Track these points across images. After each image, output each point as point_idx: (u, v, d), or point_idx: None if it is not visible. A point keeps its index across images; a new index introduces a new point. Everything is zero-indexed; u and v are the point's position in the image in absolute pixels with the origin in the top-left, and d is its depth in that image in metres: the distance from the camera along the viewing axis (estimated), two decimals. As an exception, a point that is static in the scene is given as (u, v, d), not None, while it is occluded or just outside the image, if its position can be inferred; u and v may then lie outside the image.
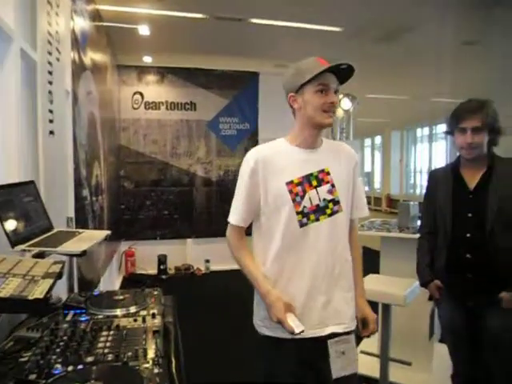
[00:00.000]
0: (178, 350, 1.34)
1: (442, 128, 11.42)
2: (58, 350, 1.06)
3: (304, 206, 1.41)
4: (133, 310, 1.37)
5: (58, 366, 0.97)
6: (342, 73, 1.40)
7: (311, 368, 1.41)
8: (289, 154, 1.46)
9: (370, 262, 3.72)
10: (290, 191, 1.40)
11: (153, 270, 5.71)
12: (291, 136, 1.50)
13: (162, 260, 5.72)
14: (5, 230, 1.24)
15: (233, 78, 6.05)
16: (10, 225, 1.28)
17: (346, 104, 7.10)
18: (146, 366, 0.98)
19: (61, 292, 1.71)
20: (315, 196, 1.42)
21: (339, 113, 7.10)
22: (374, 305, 2.37)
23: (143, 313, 1.35)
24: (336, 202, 1.44)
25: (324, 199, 1.43)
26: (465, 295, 1.88)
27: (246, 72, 6.07)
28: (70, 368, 0.96)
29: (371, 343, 3.16)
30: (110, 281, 4.56)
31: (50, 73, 2.02)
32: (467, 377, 1.99)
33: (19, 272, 1.05)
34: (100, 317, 1.32)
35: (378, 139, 16.19)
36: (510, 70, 3.91)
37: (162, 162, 5.89)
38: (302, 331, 1.29)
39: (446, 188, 1.95)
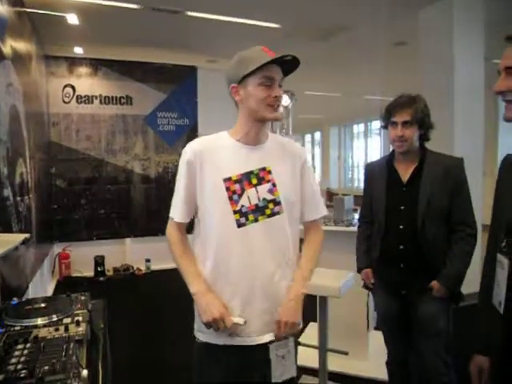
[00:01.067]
0: (106, 359, 1.26)
1: (376, 124, 11.96)
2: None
3: (242, 205, 1.32)
4: (55, 318, 1.27)
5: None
6: (287, 65, 1.33)
7: (251, 374, 1.35)
8: (229, 148, 1.37)
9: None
10: (228, 188, 1.32)
11: (89, 273, 5.44)
12: (234, 130, 1.41)
13: (99, 261, 5.46)
14: None
15: (170, 71, 5.88)
16: None
17: (285, 100, 7.23)
18: (64, 380, 0.90)
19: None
20: (254, 195, 1.34)
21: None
22: (312, 297, 2.42)
23: (66, 321, 1.25)
24: (277, 203, 1.36)
25: (264, 199, 1.35)
26: (398, 284, 1.96)
27: (183, 66, 5.94)
28: (-25, 389, 0.86)
29: (310, 335, 3.23)
30: (42, 286, 4.27)
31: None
32: (400, 362, 2.08)
33: None
34: (17, 328, 1.21)
35: (317, 135, 16.63)
36: (434, 70, 4.14)
37: (97, 159, 5.61)
38: (245, 322, 1.28)
39: (381, 181, 2.01)
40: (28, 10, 3.76)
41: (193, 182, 1.35)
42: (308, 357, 2.83)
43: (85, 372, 0.95)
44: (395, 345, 2.09)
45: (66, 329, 1.19)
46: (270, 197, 1.36)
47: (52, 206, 5.35)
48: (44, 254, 4.51)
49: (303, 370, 2.81)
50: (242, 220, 1.32)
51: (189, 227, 1.45)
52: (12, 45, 3.00)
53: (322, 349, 2.43)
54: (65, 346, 1.07)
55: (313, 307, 2.59)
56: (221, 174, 1.33)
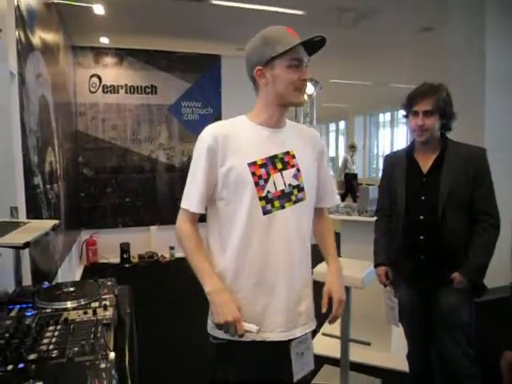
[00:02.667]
0: (133, 343, 1.30)
1: (402, 113, 11.68)
2: (-3, 348, 1.00)
3: (268, 191, 1.25)
4: (83, 302, 1.31)
5: (-3, 365, 0.91)
6: (312, 45, 1.27)
7: (270, 371, 1.30)
8: (251, 132, 1.30)
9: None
10: (253, 173, 1.24)
11: (115, 259, 5.59)
12: (253, 113, 1.34)
13: (124, 248, 5.60)
14: None
15: (195, 60, 5.90)
16: None
17: (309, 88, 7.14)
18: (93, 361, 0.94)
19: (8, 285, 1.62)
20: (280, 180, 1.27)
21: (302, 97, 7.14)
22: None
23: (94, 305, 1.29)
24: (301, 189, 1.30)
25: (289, 184, 1.28)
26: (419, 276, 1.93)
27: (207, 55, 5.94)
28: (10, 367, 0.90)
29: (332, 325, 3.23)
30: (70, 271, 4.42)
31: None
32: (421, 355, 2.06)
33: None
34: (48, 310, 1.25)
35: (342, 124, 16.40)
36: (464, 58, 4.00)
37: (123, 148, 5.71)
38: (258, 331, 1.20)
39: (401, 171, 1.98)
40: (56, 1, 3.83)
41: (214, 169, 1.25)
42: (330, 347, 2.84)
43: (112, 354, 0.98)
44: (416, 338, 2.07)
45: (94, 312, 1.22)
46: (295, 182, 1.30)
47: (79, 193, 5.50)
48: (72, 241, 4.65)
49: (325, 360, 2.82)
50: (268, 207, 1.25)
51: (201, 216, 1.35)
52: (41, 36, 3.07)
53: (344, 339, 2.42)
54: (93, 329, 1.11)
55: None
56: (245, 158, 1.25)
